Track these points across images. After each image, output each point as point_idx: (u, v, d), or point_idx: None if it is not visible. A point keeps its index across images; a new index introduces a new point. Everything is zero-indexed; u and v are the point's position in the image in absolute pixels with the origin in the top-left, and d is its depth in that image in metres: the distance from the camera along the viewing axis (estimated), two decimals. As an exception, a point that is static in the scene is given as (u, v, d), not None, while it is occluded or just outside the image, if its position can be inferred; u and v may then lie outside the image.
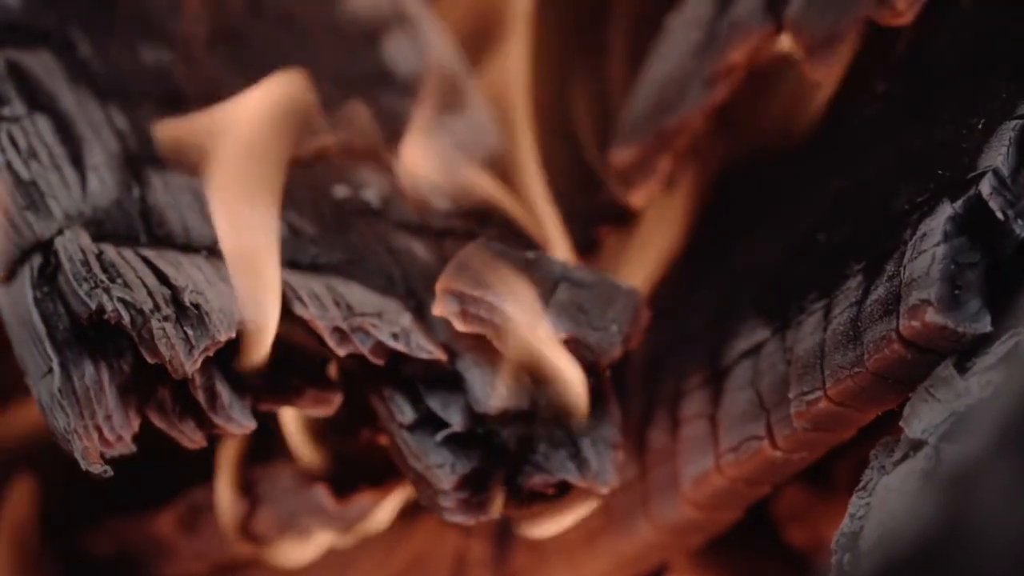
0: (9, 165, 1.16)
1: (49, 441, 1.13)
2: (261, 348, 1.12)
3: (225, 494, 1.26)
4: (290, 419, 1.23)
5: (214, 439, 1.16)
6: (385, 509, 1.25)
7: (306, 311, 1.14)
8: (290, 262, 1.17)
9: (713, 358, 1.21)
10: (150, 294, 1.11)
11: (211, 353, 1.10)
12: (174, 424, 1.12)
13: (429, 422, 1.15)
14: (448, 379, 1.16)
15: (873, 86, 1.20)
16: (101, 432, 1.09)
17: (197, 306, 1.11)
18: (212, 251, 1.17)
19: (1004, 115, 1.08)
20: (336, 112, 1.26)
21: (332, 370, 1.17)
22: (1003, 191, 1.06)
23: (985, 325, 1.05)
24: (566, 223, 1.28)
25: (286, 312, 1.13)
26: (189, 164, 1.17)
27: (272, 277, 1.13)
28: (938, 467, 1.00)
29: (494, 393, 1.15)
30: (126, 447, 1.10)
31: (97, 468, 1.09)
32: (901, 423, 1.06)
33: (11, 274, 1.14)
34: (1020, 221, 1.05)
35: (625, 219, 1.31)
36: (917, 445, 1.04)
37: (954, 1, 1.17)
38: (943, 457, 1.01)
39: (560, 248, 1.26)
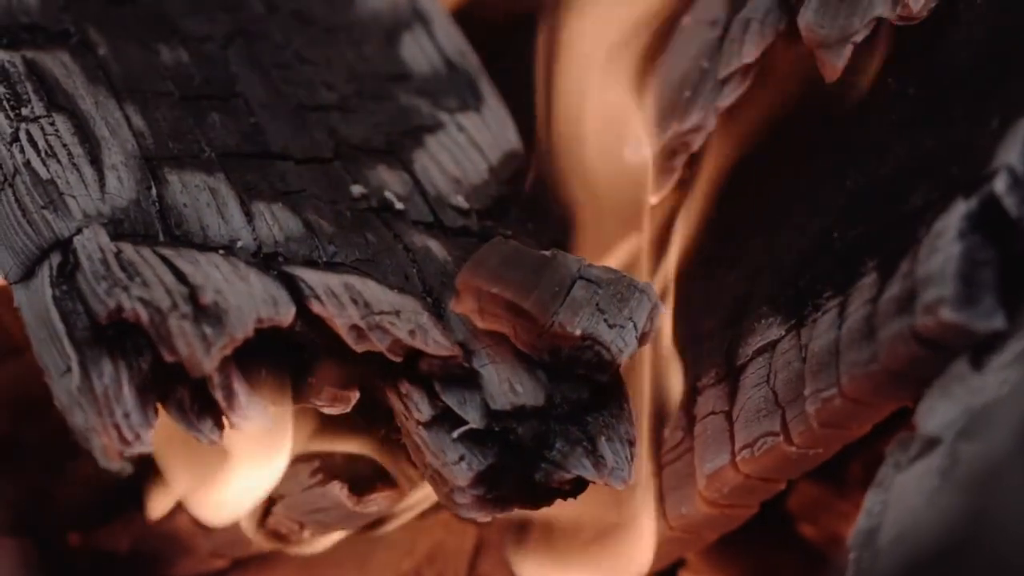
0: (28, 164, 1.17)
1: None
2: None
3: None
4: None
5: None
6: (403, 508, 1.25)
7: (324, 309, 1.14)
8: (308, 260, 1.18)
9: (728, 355, 1.21)
10: (168, 292, 1.11)
11: (229, 351, 1.10)
12: (192, 423, 1.11)
13: (446, 419, 1.15)
14: (465, 376, 1.16)
15: (888, 84, 1.20)
16: (119, 430, 1.09)
17: (215, 304, 1.11)
18: (229, 250, 1.17)
19: (1019, 113, 1.09)
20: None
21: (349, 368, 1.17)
22: (1017, 189, 1.06)
23: (1000, 323, 1.05)
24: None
25: (303, 310, 1.14)
26: None
27: None
28: (956, 465, 0.99)
29: (510, 390, 1.15)
30: (144, 445, 1.10)
31: (116, 466, 1.09)
32: (915, 420, 1.06)
33: (30, 273, 1.15)
34: (1034, 219, 1.06)
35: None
36: (933, 442, 1.04)
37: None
38: (960, 455, 1.00)
39: None
